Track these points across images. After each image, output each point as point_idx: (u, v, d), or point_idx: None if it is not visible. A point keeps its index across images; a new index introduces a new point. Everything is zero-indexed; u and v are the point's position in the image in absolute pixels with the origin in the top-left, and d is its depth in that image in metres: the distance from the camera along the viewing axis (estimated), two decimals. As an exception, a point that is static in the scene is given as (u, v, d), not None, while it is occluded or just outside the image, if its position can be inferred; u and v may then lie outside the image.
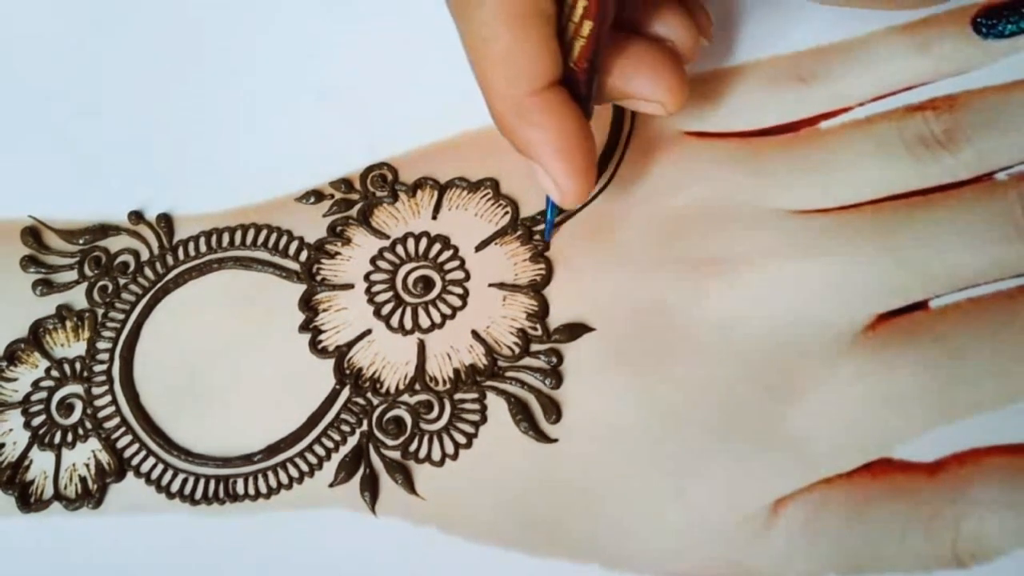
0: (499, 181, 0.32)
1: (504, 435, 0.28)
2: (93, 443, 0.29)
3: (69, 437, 0.29)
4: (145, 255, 0.32)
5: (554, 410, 0.28)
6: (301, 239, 0.31)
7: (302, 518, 0.28)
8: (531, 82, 0.25)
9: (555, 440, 0.28)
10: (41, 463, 0.29)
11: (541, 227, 0.31)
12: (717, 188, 0.30)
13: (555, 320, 0.29)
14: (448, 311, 0.30)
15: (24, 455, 0.29)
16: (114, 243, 0.32)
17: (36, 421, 0.30)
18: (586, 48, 0.25)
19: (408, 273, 0.31)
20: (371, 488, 0.28)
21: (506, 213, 0.31)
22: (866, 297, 0.28)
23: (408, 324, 0.30)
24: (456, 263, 0.31)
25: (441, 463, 0.28)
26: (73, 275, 0.32)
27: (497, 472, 0.28)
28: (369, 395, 0.29)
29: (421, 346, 0.30)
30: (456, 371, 0.29)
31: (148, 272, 0.32)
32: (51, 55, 0.36)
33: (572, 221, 0.31)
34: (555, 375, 0.28)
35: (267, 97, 0.34)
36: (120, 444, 0.29)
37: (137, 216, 0.32)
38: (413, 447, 0.28)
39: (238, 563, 0.28)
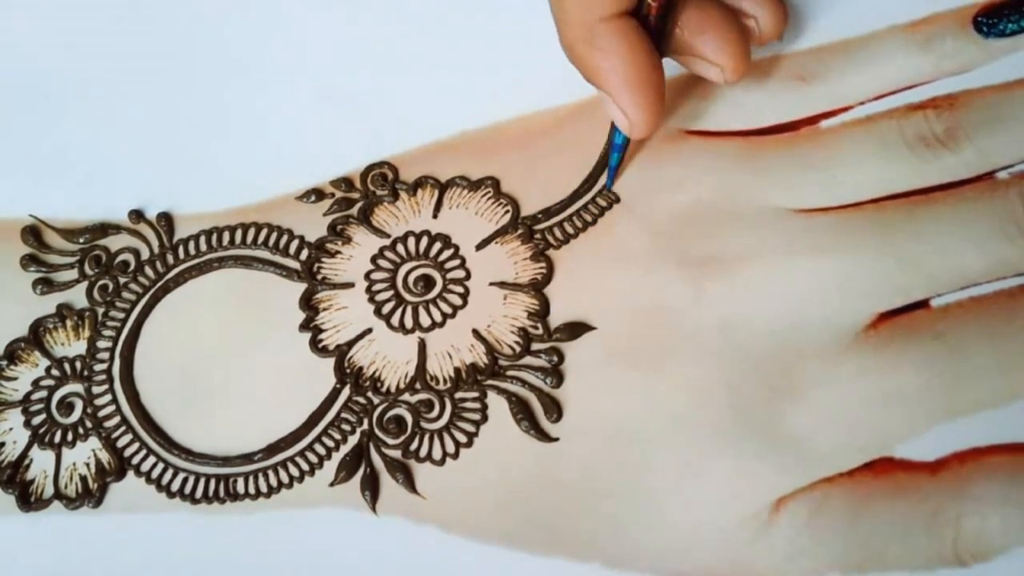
0: (499, 180, 0.32)
1: (505, 434, 0.28)
2: (93, 442, 0.29)
3: (69, 436, 0.29)
4: (145, 254, 0.32)
5: (555, 409, 0.28)
6: (301, 238, 0.31)
7: (302, 517, 0.28)
8: (604, 7, 0.25)
9: (556, 439, 0.28)
10: (41, 462, 0.29)
11: (542, 226, 0.31)
12: (718, 187, 0.30)
13: (556, 319, 0.29)
14: (449, 310, 0.30)
15: (24, 454, 0.29)
16: (114, 242, 0.32)
17: (36, 420, 0.30)
18: None
19: (409, 272, 0.31)
20: (372, 487, 0.28)
21: (507, 212, 0.31)
22: (867, 296, 0.28)
23: (409, 323, 0.30)
24: (457, 262, 0.31)
25: (442, 462, 0.28)
26: (73, 274, 0.32)
27: (498, 471, 0.28)
28: (370, 394, 0.29)
29: (422, 345, 0.30)
30: (457, 370, 0.29)
31: (148, 271, 0.32)
32: (51, 55, 0.36)
33: (573, 220, 0.31)
34: (556, 374, 0.28)
35: (268, 96, 0.34)
36: (120, 443, 0.29)
37: (137, 215, 0.32)
38: (414, 446, 0.28)
39: (238, 562, 0.28)
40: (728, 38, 0.28)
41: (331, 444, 0.29)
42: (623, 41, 0.26)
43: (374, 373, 0.29)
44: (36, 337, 0.31)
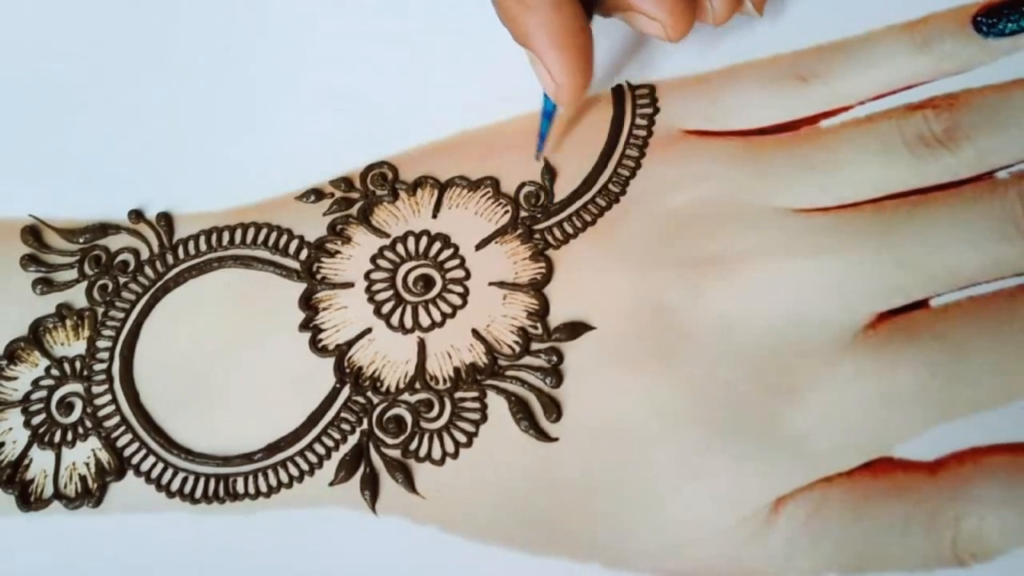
0: (499, 180, 0.32)
1: (504, 434, 0.28)
2: (93, 442, 0.29)
3: (69, 436, 0.29)
4: (145, 254, 0.32)
5: (554, 409, 0.28)
6: (301, 238, 0.31)
7: (302, 517, 0.28)
8: None
9: (555, 439, 0.28)
10: (41, 462, 0.29)
11: (541, 226, 0.31)
12: (717, 187, 0.30)
13: (555, 319, 0.29)
14: (448, 310, 0.30)
15: (24, 454, 0.29)
16: (114, 242, 0.32)
17: (36, 420, 0.30)
18: None
19: (408, 272, 0.31)
20: (371, 487, 0.28)
21: (506, 212, 0.31)
22: (866, 296, 0.28)
23: (408, 323, 0.30)
24: (456, 262, 0.31)
25: (441, 462, 0.28)
26: (73, 274, 0.32)
27: (497, 471, 0.28)
28: (369, 394, 0.29)
29: (421, 345, 0.30)
30: (456, 370, 0.29)
31: (148, 271, 0.32)
32: (52, 55, 0.36)
33: (573, 220, 0.31)
34: (555, 374, 0.28)
35: (267, 96, 0.34)
36: (120, 443, 0.29)
37: (137, 215, 0.32)
38: (413, 446, 0.28)
39: (238, 562, 0.28)
40: None
41: (331, 444, 0.29)
42: (550, 1, 0.26)
43: (374, 373, 0.29)
44: (36, 337, 0.31)
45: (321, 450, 0.29)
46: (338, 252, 0.31)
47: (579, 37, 0.27)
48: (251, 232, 0.32)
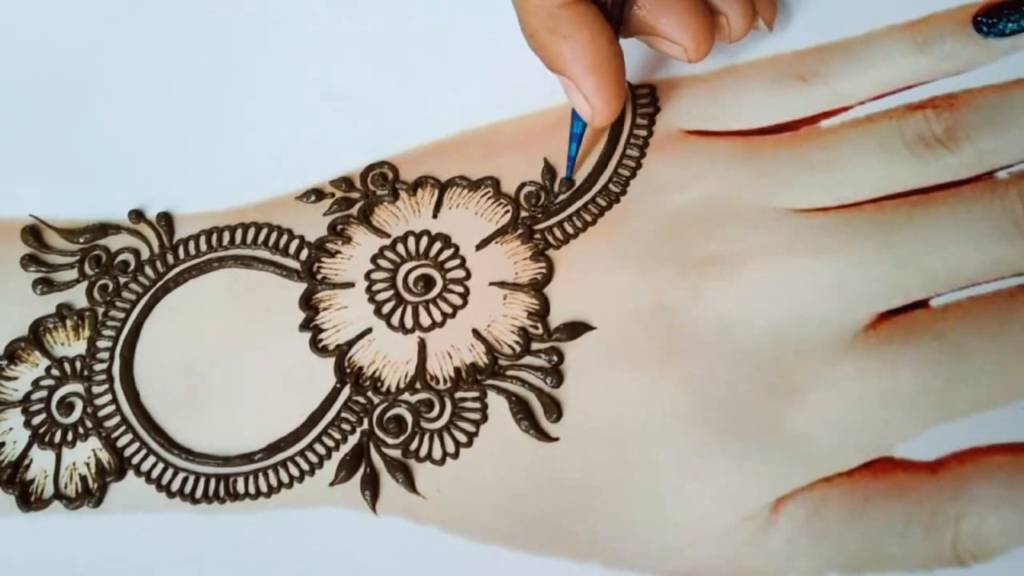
0: (499, 180, 0.32)
1: (505, 434, 0.28)
2: (93, 442, 0.29)
3: (69, 436, 0.29)
4: (145, 254, 0.32)
5: (555, 409, 0.28)
6: (301, 238, 0.31)
7: (303, 517, 0.28)
8: None
9: (556, 439, 0.28)
10: (41, 462, 0.29)
11: (542, 226, 0.31)
12: (718, 187, 0.30)
13: (556, 319, 0.29)
14: (449, 310, 0.30)
15: (24, 454, 0.29)
16: (114, 242, 0.32)
17: (36, 420, 0.30)
18: None
19: (409, 272, 0.31)
20: (372, 487, 0.28)
21: (507, 212, 0.31)
22: (867, 296, 0.28)
23: (409, 323, 0.30)
24: (457, 262, 0.31)
25: (442, 462, 0.28)
26: (73, 274, 0.32)
27: (498, 471, 0.28)
28: (370, 394, 0.29)
29: (422, 345, 0.30)
30: (457, 370, 0.29)
31: (148, 271, 0.32)
32: (52, 54, 0.36)
33: (573, 220, 0.31)
34: (556, 374, 0.28)
35: (268, 96, 0.34)
36: (120, 443, 0.29)
37: (137, 215, 0.32)
38: (414, 446, 0.28)
39: (238, 562, 0.28)
40: (689, 17, 0.28)
41: (331, 444, 0.29)
42: (584, 26, 0.26)
43: (374, 373, 0.29)
44: (36, 337, 0.31)
45: (321, 450, 0.29)
46: (338, 252, 0.31)
47: (614, 61, 0.27)
48: (251, 232, 0.32)
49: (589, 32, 0.26)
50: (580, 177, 0.31)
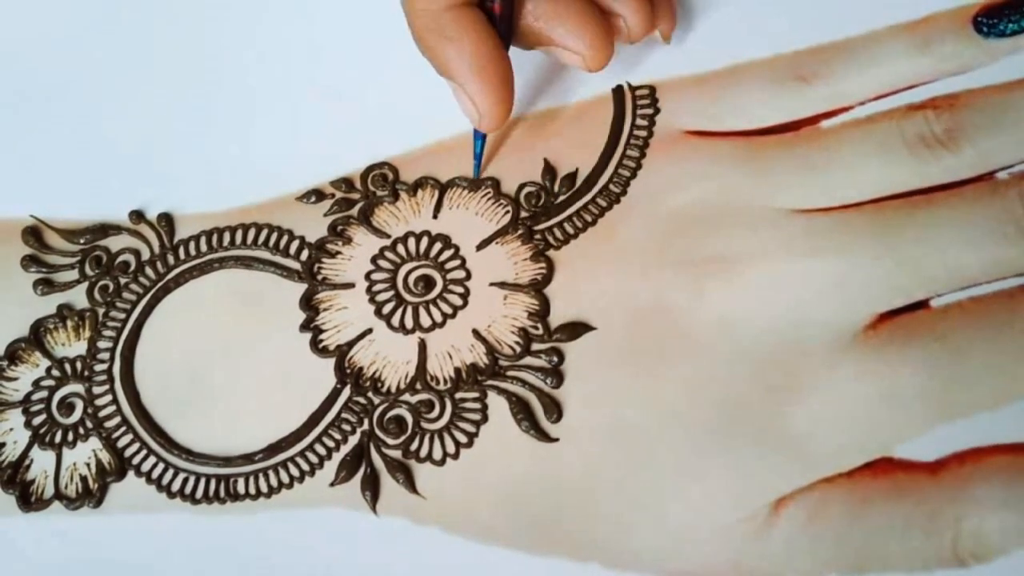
0: (499, 180, 0.32)
1: (505, 434, 0.28)
2: (94, 442, 0.29)
3: (70, 436, 0.29)
4: (146, 254, 0.32)
5: (555, 409, 0.28)
6: (302, 238, 0.31)
7: (303, 517, 0.28)
8: None
9: (556, 439, 0.28)
10: (42, 462, 0.29)
11: (542, 226, 0.31)
12: (718, 187, 0.30)
13: (556, 319, 0.29)
14: (449, 310, 0.30)
15: (25, 454, 0.29)
16: (115, 242, 0.32)
17: (37, 420, 0.30)
18: None
19: (409, 272, 0.31)
20: (372, 487, 0.28)
21: (507, 212, 0.31)
22: (867, 296, 0.28)
23: (409, 323, 0.30)
24: (457, 262, 0.31)
25: (442, 462, 0.28)
26: (74, 274, 0.32)
27: (498, 471, 0.28)
28: (370, 394, 0.29)
29: (422, 345, 0.30)
30: (457, 370, 0.29)
31: (149, 271, 0.32)
32: (52, 54, 0.36)
33: (573, 220, 0.31)
34: (556, 374, 0.28)
35: (268, 96, 0.34)
36: (121, 443, 0.29)
37: (138, 215, 0.32)
38: (414, 446, 0.28)
39: (239, 562, 0.28)
40: (583, 25, 0.28)
41: (331, 444, 0.29)
42: (467, 30, 0.27)
43: (374, 373, 0.29)
44: (37, 337, 0.31)
45: (322, 450, 0.29)
46: (339, 253, 0.31)
47: (500, 65, 0.28)
48: (252, 233, 0.32)
49: (474, 35, 0.27)
50: (581, 178, 0.31)
